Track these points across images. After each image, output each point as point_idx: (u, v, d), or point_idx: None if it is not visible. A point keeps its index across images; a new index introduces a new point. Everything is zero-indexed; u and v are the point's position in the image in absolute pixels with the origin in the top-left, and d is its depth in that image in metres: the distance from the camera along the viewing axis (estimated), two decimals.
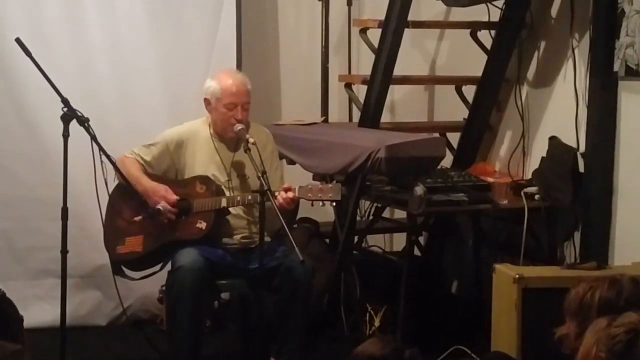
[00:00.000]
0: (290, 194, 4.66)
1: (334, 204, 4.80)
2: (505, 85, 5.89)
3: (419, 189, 5.01)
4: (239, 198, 4.83)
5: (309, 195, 4.67)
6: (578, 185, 5.25)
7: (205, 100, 4.97)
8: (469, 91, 6.06)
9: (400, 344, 2.74)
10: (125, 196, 4.90)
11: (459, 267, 6.09)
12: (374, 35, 5.86)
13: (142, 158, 4.97)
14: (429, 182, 5.16)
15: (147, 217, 4.80)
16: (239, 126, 4.84)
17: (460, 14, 6.05)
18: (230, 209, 4.87)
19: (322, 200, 4.66)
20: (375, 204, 5.89)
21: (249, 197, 4.76)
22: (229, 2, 6.07)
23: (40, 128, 5.66)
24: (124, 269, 5.02)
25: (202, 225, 4.82)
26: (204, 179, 4.89)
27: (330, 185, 4.71)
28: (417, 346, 4.88)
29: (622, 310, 2.87)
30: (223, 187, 4.92)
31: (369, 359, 2.67)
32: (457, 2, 5.78)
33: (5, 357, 2.44)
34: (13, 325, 4.22)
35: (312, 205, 4.73)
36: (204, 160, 4.96)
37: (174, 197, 4.85)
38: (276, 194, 4.64)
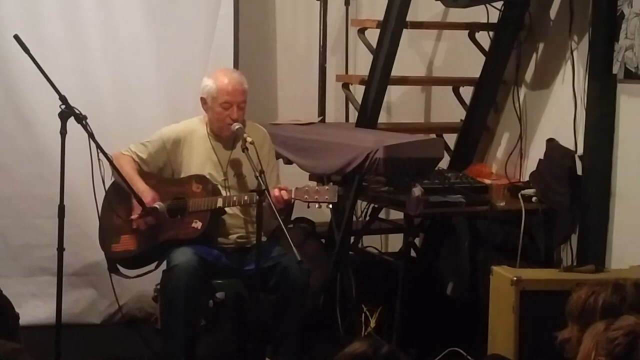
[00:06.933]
0: (284, 194, 4.65)
1: (330, 206, 4.77)
2: (503, 86, 5.88)
3: (417, 190, 4.99)
4: (235, 198, 4.81)
5: (305, 196, 4.64)
6: (576, 188, 5.23)
7: (202, 99, 4.96)
8: (467, 92, 6.05)
9: (379, 340, 2.73)
10: (121, 194, 4.89)
11: (455, 268, 6.08)
12: (372, 35, 5.85)
13: (137, 156, 4.96)
14: (426, 183, 5.14)
15: (142, 216, 4.79)
16: (236, 125, 4.83)
17: (458, 14, 6.04)
18: (227, 209, 4.85)
19: (319, 202, 4.64)
20: (372, 205, 5.88)
21: (245, 198, 4.74)
22: (227, 1, 6.06)
23: (38, 125, 5.64)
24: (119, 267, 5.01)
25: (198, 225, 4.80)
26: (201, 178, 4.87)
27: (326, 187, 4.68)
28: (414, 348, 4.97)
29: None
30: (220, 186, 4.90)
31: (349, 358, 2.66)
32: (456, 3, 5.76)
33: (6, 355, 2.43)
34: (9, 322, 4.20)
35: (309, 207, 4.71)
36: (201, 158, 4.95)
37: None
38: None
